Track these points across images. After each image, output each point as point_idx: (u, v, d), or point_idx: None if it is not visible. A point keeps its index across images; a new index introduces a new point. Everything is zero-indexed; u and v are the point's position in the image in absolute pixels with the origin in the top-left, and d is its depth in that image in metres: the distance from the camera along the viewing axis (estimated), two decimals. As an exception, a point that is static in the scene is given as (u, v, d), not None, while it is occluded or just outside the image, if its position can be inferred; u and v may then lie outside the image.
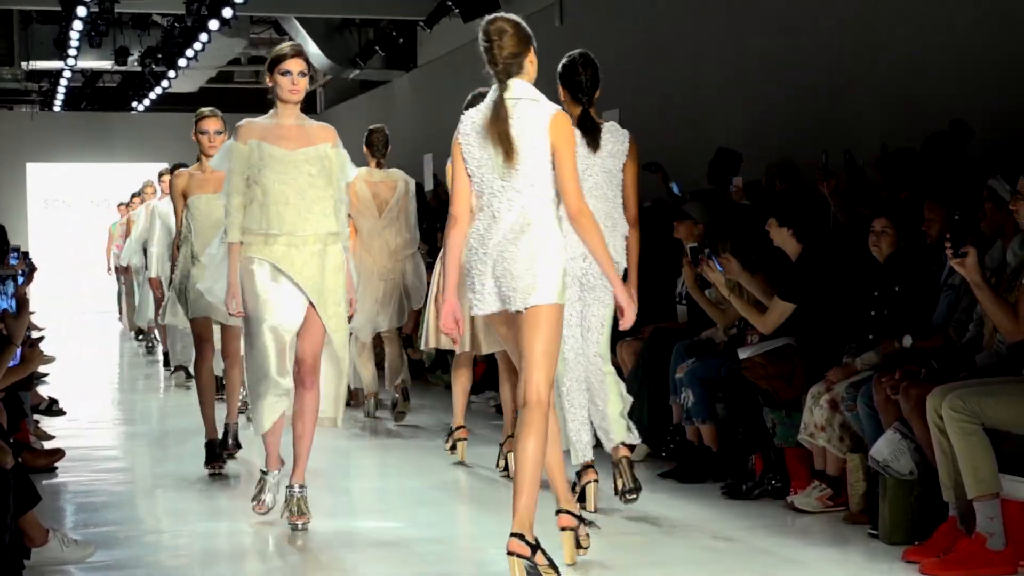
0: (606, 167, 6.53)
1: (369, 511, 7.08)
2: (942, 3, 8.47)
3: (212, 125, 7.88)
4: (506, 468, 7.59)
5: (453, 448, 8.22)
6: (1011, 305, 5.56)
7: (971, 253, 5.47)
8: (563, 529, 5.52)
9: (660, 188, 10.22)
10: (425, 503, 7.22)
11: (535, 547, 5.04)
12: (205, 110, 8.00)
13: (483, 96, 6.99)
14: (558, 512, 5.53)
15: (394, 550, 6.06)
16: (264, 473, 6.64)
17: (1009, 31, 7.84)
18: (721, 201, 8.83)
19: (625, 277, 6.53)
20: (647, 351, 8.10)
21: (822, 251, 7.22)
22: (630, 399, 6.75)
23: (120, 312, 19.34)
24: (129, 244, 15.48)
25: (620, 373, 8.36)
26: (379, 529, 6.58)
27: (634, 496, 6.55)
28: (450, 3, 15.04)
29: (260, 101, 7.26)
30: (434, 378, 12.09)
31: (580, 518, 5.59)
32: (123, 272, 17.33)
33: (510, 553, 5.00)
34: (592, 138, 6.49)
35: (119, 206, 19.58)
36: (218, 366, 8.46)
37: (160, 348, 16.08)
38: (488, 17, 5.36)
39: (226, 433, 8.18)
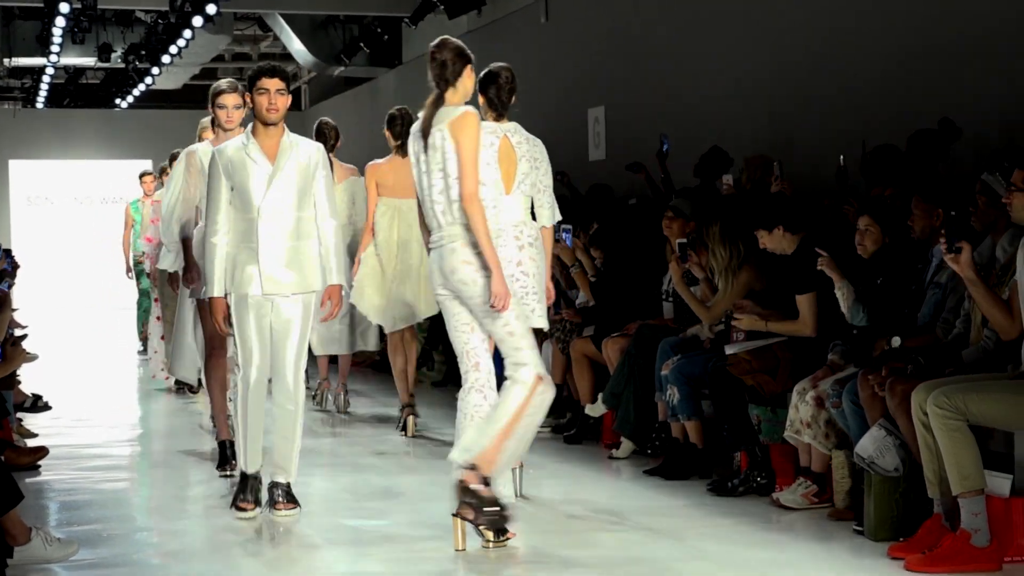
0: None
1: (356, 508, 7.06)
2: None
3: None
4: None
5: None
6: (1005, 302, 5.56)
7: (965, 249, 5.47)
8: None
9: (645, 187, 10.22)
10: (418, 498, 7.22)
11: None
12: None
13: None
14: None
15: (379, 548, 6.05)
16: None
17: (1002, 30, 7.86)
18: (709, 197, 8.82)
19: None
20: (633, 348, 8.09)
21: (818, 236, 7.20)
22: None
23: (145, 346, 12.86)
24: (164, 224, 7.85)
25: (605, 370, 8.38)
26: (365, 526, 6.56)
27: None
28: (435, -1, 15.03)
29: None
30: (418, 374, 12.04)
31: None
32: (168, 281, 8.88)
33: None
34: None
35: (142, 176, 13.98)
36: None
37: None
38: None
39: None
